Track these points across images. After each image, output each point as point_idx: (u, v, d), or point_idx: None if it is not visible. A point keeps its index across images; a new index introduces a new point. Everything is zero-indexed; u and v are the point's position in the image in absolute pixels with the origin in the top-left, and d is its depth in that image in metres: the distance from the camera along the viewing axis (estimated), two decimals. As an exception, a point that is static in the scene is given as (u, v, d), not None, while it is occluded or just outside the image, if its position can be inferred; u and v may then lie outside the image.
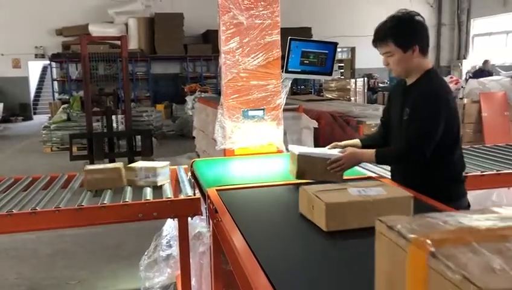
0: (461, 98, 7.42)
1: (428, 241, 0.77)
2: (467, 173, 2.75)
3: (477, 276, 0.70)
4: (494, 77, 9.64)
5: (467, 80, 9.44)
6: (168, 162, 2.88)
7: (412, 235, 0.80)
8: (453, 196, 2.08)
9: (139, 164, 2.86)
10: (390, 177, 2.37)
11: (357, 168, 2.42)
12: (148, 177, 2.71)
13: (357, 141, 2.40)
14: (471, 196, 2.35)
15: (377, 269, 0.95)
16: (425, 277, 0.76)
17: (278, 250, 1.51)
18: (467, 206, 2.17)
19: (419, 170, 2.09)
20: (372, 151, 2.13)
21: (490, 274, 0.72)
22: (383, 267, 0.93)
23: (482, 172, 2.84)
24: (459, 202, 2.09)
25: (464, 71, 15.17)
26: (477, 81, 7.94)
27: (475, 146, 3.77)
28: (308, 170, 2.19)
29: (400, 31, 2.04)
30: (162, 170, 2.75)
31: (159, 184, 2.70)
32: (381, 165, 2.72)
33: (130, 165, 2.84)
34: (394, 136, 2.21)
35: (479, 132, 7.22)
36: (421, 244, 0.77)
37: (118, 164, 2.86)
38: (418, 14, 2.08)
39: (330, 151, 2.30)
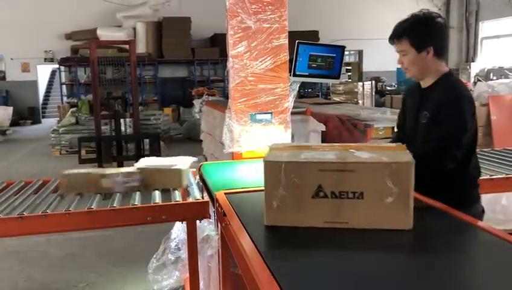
0: (470, 101, 7.37)
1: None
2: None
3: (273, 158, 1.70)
4: (504, 80, 9.58)
5: (475, 83, 9.39)
6: (186, 162, 2.84)
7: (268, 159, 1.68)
8: (469, 201, 2.05)
9: (142, 162, 2.86)
10: None
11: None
12: (127, 183, 2.67)
13: None
14: (481, 199, 2.34)
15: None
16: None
17: (286, 253, 1.52)
18: (481, 212, 2.13)
19: (441, 175, 1.99)
20: None
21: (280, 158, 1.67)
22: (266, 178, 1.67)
23: (491, 176, 2.82)
24: (474, 207, 2.05)
25: (473, 74, 15.08)
26: (486, 84, 7.89)
27: (484, 150, 3.74)
28: None
29: (415, 30, 2.00)
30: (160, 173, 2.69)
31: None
32: None
33: (106, 172, 2.75)
34: (409, 140, 2.08)
35: (488, 135, 7.16)
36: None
37: (95, 169, 2.81)
38: (440, 16, 2.04)
39: None
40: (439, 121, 1.96)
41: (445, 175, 1.99)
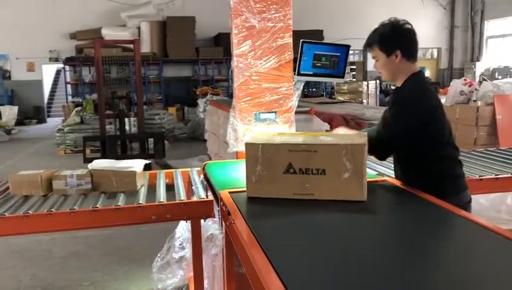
0: (475, 101, 7.33)
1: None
2: (481, 176, 2.74)
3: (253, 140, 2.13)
4: (509, 79, 9.53)
5: (480, 82, 9.35)
6: (136, 166, 2.78)
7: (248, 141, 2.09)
8: (448, 192, 2.13)
9: (99, 163, 2.83)
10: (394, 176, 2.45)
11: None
12: (80, 185, 2.62)
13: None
14: (486, 199, 2.34)
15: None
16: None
17: (291, 252, 1.52)
18: (467, 202, 2.21)
19: (414, 167, 2.23)
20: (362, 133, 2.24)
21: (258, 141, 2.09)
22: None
23: (496, 175, 2.81)
24: (455, 197, 2.12)
25: (478, 73, 15.01)
26: (491, 84, 7.85)
27: (489, 149, 3.72)
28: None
29: (383, 37, 2.20)
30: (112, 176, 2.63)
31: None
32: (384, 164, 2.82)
33: (59, 173, 2.71)
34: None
35: (493, 134, 7.13)
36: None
37: (46, 171, 2.72)
38: (407, 23, 2.21)
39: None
40: (388, 116, 2.20)
41: (418, 168, 2.20)
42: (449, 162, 2.23)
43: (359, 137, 2.12)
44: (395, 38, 2.18)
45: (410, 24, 2.21)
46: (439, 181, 2.17)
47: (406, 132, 2.12)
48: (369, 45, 2.26)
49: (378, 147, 2.18)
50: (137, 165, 2.79)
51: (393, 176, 2.45)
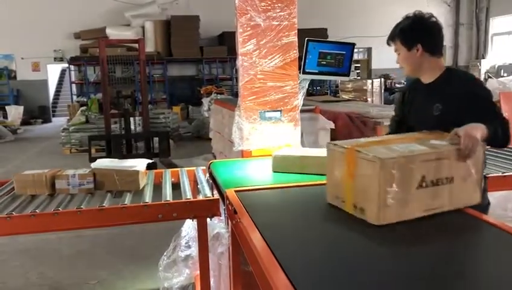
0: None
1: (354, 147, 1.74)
2: (487, 174, 2.73)
3: (381, 154, 1.64)
4: (515, 77, 9.48)
5: (486, 80, 9.30)
6: (140, 165, 2.76)
7: (346, 146, 1.79)
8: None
9: (100, 162, 2.82)
10: None
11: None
12: (82, 185, 2.62)
13: None
14: (493, 197, 2.32)
15: (328, 172, 1.92)
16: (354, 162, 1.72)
17: (298, 250, 1.52)
18: (486, 205, 2.17)
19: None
20: (479, 124, 1.89)
21: (389, 154, 1.65)
22: (331, 169, 1.88)
23: (503, 173, 2.80)
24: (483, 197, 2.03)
25: (483, 71, 14.94)
26: (497, 81, 7.82)
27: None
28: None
29: (405, 30, 2.15)
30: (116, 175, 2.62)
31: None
32: None
33: (61, 173, 2.70)
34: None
35: (499, 132, 7.09)
36: (350, 149, 1.75)
37: (49, 170, 2.72)
38: (432, 16, 2.16)
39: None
40: (477, 108, 2.01)
41: None
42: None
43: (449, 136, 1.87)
44: (416, 32, 2.14)
45: (435, 18, 2.16)
46: None
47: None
48: (391, 38, 2.22)
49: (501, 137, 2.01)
50: (140, 164, 2.80)
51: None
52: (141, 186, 2.69)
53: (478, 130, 1.84)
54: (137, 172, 2.68)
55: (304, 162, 2.48)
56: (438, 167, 1.73)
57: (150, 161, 2.95)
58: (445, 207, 1.75)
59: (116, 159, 2.97)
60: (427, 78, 2.21)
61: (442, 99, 2.11)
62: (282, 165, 2.52)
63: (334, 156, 1.85)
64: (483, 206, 2.10)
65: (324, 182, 2.01)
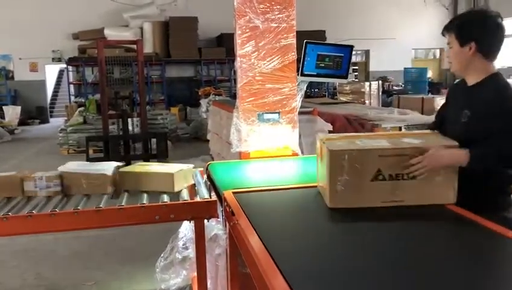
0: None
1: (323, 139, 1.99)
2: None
3: (334, 147, 1.86)
4: (512, 80, 9.50)
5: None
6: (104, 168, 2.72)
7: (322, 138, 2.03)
8: (503, 205, 1.98)
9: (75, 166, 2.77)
10: None
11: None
12: (49, 187, 2.59)
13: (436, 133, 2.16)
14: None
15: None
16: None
17: (295, 253, 1.52)
18: None
19: (472, 178, 1.90)
20: (463, 151, 1.86)
21: (342, 146, 1.87)
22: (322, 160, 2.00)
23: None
24: (506, 212, 1.96)
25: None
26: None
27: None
28: None
29: (462, 23, 2.01)
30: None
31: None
32: None
33: (30, 175, 2.65)
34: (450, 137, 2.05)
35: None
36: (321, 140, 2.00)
37: (15, 173, 2.69)
38: (498, 16, 2.00)
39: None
40: (496, 121, 1.88)
41: (479, 177, 1.93)
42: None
43: (441, 137, 2.00)
44: (474, 28, 1.97)
45: (501, 18, 1.99)
46: (498, 193, 1.97)
47: None
48: (446, 28, 2.06)
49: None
50: (109, 168, 2.73)
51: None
52: (109, 191, 2.63)
53: (445, 159, 1.85)
54: (104, 176, 2.63)
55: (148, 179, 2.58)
56: (398, 163, 1.83)
57: (119, 164, 2.90)
58: (407, 201, 1.86)
59: (87, 162, 2.91)
60: (470, 80, 2.05)
61: (471, 106, 1.97)
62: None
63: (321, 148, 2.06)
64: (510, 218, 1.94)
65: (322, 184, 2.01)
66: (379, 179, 1.84)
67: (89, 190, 2.62)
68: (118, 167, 2.81)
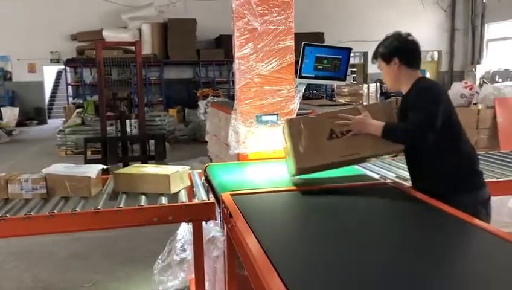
0: (475, 104, 7.33)
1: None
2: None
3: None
4: (510, 82, 9.53)
5: (481, 85, 9.34)
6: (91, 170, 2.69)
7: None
8: (468, 188, 2.20)
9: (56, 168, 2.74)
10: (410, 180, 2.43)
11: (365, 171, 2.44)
12: (35, 190, 2.58)
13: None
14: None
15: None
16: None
17: (293, 255, 1.52)
18: (485, 199, 2.24)
19: (429, 162, 2.22)
20: (381, 123, 2.23)
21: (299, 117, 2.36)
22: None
23: (497, 178, 2.81)
24: (474, 194, 2.20)
25: (478, 76, 15.00)
26: (492, 87, 7.85)
27: (490, 152, 3.73)
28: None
29: (383, 46, 2.37)
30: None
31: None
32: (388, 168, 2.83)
33: (15, 177, 2.63)
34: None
35: (494, 138, 7.12)
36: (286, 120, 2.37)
37: (5, 174, 2.67)
38: (409, 35, 2.35)
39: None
40: (414, 107, 2.19)
41: (433, 162, 2.21)
42: (469, 157, 2.27)
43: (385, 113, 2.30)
44: (392, 47, 2.33)
45: (411, 36, 2.35)
46: (459, 177, 2.21)
47: (440, 116, 2.13)
48: (374, 56, 2.44)
49: (416, 132, 2.15)
50: (92, 170, 2.72)
51: (395, 179, 2.46)
52: (93, 193, 2.62)
53: (370, 128, 2.22)
54: (88, 178, 2.61)
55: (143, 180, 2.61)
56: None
57: (104, 167, 2.89)
58: (363, 153, 2.19)
59: (72, 165, 2.88)
60: (404, 90, 2.35)
61: (406, 111, 2.23)
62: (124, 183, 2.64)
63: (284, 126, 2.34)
64: (478, 201, 2.21)
65: (321, 186, 2.02)
66: (333, 137, 2.17)
67: (73, 192, 2.60)
68: (103, 170, 2.79)
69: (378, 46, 2.41)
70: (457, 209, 1.87)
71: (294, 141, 2.16)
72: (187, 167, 2.83)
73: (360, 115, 2.25)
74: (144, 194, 2.61)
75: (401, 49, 2.32)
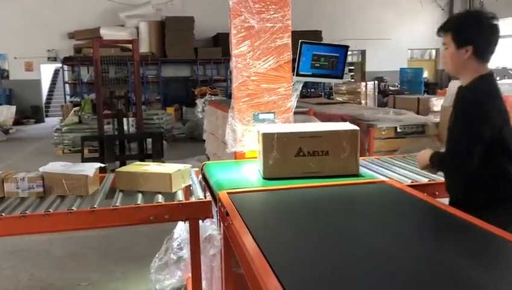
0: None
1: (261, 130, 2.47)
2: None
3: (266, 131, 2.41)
4: (507, 80, 9.55)
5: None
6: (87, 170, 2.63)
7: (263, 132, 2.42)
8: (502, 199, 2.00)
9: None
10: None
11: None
12: (32, 189, 2.54)
13: None
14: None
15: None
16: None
17: (289, 253, 1.51)
18: None
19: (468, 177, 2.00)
20: (429, 154, 2.12)
21: (273, 131, 2.41)
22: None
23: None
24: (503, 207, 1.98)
25: (476, 74, 15.01)
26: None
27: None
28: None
29: (460, 25, 2.01)
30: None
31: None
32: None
33: (10, 175, 2.57)
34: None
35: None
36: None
37: (1, 172, 2.61)
38: (495, 17, 2.00)
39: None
40: (454, 128, 2.02)
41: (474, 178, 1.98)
42: (503, 174, 2.00)
43: (350, 125, 2.53)
44: (471, 32, 1.97)
45: (496, 19, 1.99)
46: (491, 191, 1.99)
47: (477, 141, 1.90)
48: (443, 29, 2.05)
49: (454, 162, 1.97)
50: (89, 168, 2.68)
51: (389, 178, 2.46)
52: (90, 192, 2.58)
53: (424, 159, 2.14)
54: (85, 177, 2.58)
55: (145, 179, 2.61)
56: (314, 142, 2.37)
57: (101, 165, 2.85)
58: (322, 173, 2.36)
59: (70, 163, 2.85)
60: (464, 81, 2.07)
61: (456, 109, 2.03)
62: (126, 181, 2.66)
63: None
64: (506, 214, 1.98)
65: (317, 184, 2.01)
66: (300, 155, 2.36)
67: (70, 191, 2.57)
68: (100, 168, 2.77)
69: (454, 19, 2.08)
70: (493, 221, 1.68)
71: (265, 153, 2.37)
72: (188, 165, 2.81)
73: (358, 137, 2.40)
74: (142, 192, 2.59)
75: (480, 40, 1.97)
